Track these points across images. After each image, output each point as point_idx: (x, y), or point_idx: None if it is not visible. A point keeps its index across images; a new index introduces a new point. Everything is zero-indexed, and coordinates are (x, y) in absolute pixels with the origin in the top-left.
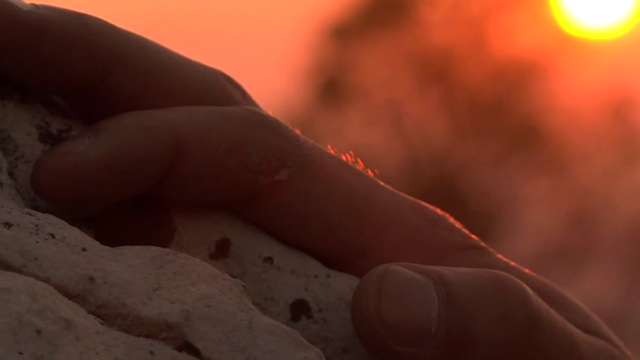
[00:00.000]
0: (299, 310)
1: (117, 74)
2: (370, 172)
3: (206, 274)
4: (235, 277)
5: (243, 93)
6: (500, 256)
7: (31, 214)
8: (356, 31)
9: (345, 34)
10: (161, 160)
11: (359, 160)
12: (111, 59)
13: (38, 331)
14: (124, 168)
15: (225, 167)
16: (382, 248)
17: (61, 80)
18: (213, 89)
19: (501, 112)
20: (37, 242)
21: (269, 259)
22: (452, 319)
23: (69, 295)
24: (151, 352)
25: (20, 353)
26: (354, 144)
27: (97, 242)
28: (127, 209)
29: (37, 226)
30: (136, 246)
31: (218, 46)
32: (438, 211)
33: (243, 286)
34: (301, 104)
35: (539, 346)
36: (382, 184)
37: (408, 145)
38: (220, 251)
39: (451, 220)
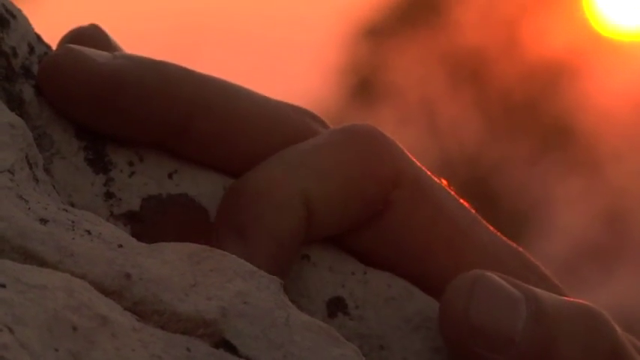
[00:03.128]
0: (335, 307)
1: (200, 121)
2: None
3: (243, 271)
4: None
5: (328, 128)
6: None
7: (67, 211)
8: (389, 30)
9: (378, 33)
10: (301, 233)
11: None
12: (192, 108)
13: (74, 328)
14: (281, 256)
15: (348, 211)
16: None
17: (140, 132)
18: (299, 128)
19: (534, 112)
20: (74, 238)
21: (306, 257)
22: (537, 335)
23: (105, 292)
24: (188, 349)
25: (56, 350)
26: None
27: (134, 239)
28: (163, 208)
29: (73, 222)
30: (172, 242)
31: (252, 45)
32: (535, 261)
33: (280, 283)
34: (334, 103)
35: None
36: (481, 219)
37: (441, 145)
38: None
39: (543, 269)
